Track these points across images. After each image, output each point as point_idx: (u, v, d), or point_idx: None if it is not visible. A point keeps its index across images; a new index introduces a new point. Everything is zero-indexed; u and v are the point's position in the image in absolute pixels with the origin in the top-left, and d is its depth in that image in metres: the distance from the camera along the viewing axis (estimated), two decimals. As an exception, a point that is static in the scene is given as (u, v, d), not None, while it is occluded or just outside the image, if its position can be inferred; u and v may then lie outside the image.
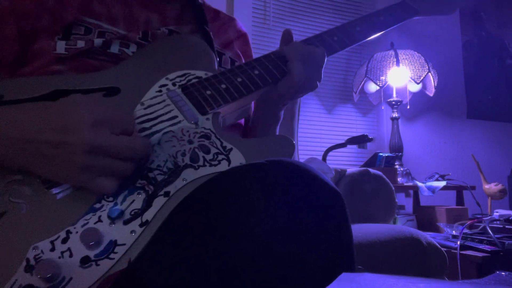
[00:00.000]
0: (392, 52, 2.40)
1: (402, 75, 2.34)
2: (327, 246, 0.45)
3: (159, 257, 0.46)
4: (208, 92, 0.65)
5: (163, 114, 0.61)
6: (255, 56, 0.81)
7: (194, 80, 0.67)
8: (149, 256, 0.47)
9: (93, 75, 0.65)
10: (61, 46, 0.67)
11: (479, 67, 3.06)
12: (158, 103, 0.63)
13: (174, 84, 0.66)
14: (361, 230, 1.13)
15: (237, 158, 0.57)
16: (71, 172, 0.50)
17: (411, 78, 2.32)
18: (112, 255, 0.47)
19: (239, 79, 0.67)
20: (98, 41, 0.68)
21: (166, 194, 0.52)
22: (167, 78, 0.67)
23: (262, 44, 2.39)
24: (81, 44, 0.68)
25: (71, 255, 0.46)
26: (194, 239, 0.44)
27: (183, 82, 0.66)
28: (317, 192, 0.46)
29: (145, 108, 0.61)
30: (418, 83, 2.34)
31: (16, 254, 0.45)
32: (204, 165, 0.55)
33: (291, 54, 0.71)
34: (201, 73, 0.68)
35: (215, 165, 0.56)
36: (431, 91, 2.44)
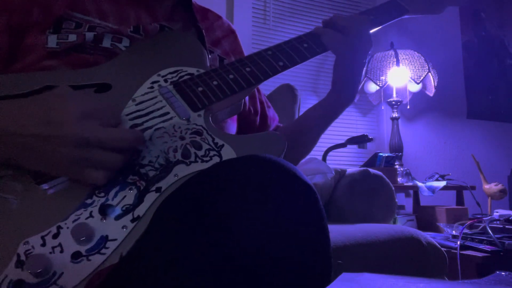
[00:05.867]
0: (392, 52, 2.39)
1: (402, 75, 2.34)
2: (301, 243, 0.44)
3: (150, 252, 0.46)
4: (200, 89, 0.65)
5: (154, 111, 0.61)
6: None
7: (186, 77, 0.67)
8: (140, 251, 0.47)
9: (84, 71, 0.65)
10: (52, 40, 0.67)
11: (479, 67, 3.05)
12: (150, 99, 0.62)
13: (166, 81, 0.66)
14: (361, 230, 1.12)
15: (229, 154, 0.57)
16: (61, 165, 0.50)
17: (411, 78, 2.32)
18: (103, 250, 0.47)
19: (231, 76, 0.67)
20: (89, 35, 0.68)
21: (158, 189, 0.52)
22: (158, 75, 0.67)
23: (262, 44, 2.38)
24: (72, 38, 0.67)
25: (62, 251, 0.46)
26: (181, 234, 0.44)
27: (175, 79, 0.66)
28: (290, 187, 0.46)
29: (136, 105, 0.61)
30: (418, 83, 2.34)
31: (7, 250, 0.45)
32: (195, 161, 0.56)
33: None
34: (193, 70, 0.68)
35: (206, 161, 0.56)
36: (431, 91, 2.44)
